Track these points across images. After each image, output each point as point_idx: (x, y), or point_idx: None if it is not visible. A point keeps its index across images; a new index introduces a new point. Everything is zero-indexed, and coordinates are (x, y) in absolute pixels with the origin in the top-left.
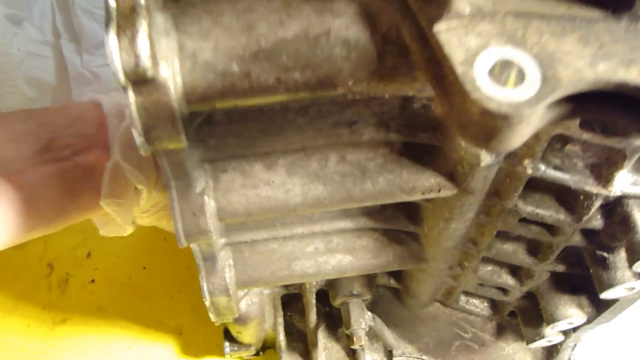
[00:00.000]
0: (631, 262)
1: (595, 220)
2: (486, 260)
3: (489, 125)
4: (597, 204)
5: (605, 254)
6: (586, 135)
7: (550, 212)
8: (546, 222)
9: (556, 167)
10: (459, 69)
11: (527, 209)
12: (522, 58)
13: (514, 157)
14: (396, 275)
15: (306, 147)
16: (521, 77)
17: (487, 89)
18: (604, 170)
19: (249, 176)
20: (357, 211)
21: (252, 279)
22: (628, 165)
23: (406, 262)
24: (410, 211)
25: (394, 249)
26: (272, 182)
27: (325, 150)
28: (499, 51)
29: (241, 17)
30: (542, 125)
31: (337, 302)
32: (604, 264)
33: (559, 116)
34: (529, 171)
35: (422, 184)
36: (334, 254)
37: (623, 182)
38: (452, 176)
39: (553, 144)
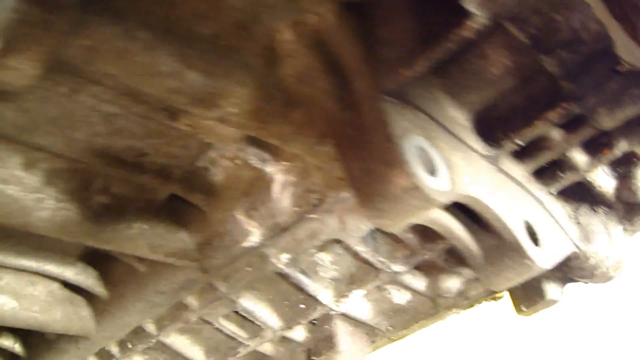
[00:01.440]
0: None
1: (300, 332)
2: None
3: (407, 201)
4: (315, 316)
5: None
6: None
7: (263, 315)
8: (254, 322)
9: (302, 271)
10: (398, 141)
11: (245, 304)
12: (435, 154)
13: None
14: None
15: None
16: (435, 170)
17: (419, 169)
18: (343, 286)
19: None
20: (53, 251)
21: None
22: (368, 286)
23: (69, 329)
24: (107, 269)
25: (65, 310)
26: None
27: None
28: (421, 140)
29: None
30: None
31: None
32: None
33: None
34: (280, 265)
35: (171, 245)
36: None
37: (354, 302)
38: (200, 248)
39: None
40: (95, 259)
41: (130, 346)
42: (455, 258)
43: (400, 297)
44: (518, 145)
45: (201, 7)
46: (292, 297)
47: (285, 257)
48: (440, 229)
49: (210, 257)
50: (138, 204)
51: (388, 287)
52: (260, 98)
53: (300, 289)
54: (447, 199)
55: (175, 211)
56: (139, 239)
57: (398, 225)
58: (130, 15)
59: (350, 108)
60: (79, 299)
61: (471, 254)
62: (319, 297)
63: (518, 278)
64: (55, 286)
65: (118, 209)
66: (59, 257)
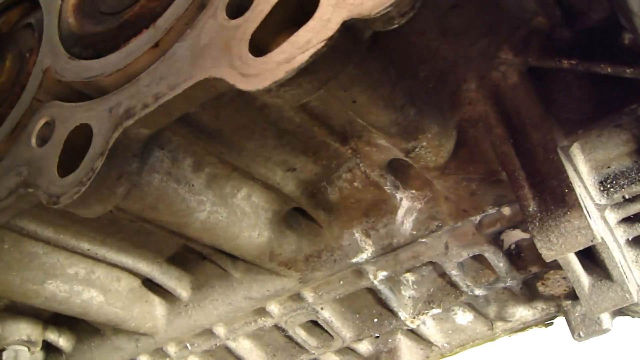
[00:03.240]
0: None
1: (364, 344)
2: None
3: (577, 238)
4: (386, 330)
5: None
6: None
7: (339, 326)
8: (328, 332)
9: (390, 288)
10: (577, 190)
11: (325, 315)
12: (589, 201)
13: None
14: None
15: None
16: (591, 213)
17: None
18: (421, 304)
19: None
20: (149, 249)
21: None
22: (446, 307)
23: (141, 327)
24: (195, 272)
25: (142, 307)
26: (192, 185)
27: (241, 181)
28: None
29: None
30: None
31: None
32: None
33: None
34: (375, 282)
35: (287, 255)
36: (89, 287)
37: (426, 320)
38: (308, 260)
39: None
40: (184, 261)
41: (189, 347)
42: (529, 287)
43: (464, 317)
44: (624, 197)
45: (423, 52)
46: (370, 311)
47: (382, 274)
48: (564, 262)
49: (315, 269)
50: (267, 214)
51: (456, 307)
52: (441, 135)
53: (383, 304)
54: (600, 239)
55: (292, 224)
56: (265, 246)
57: (561, 255)
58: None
59: (525, 154)
60: (154, 298)
61: (580, 285)
62: (399, 313)
63: (613, 308)
64: (137, 283)
65: None
66: (152, 255)
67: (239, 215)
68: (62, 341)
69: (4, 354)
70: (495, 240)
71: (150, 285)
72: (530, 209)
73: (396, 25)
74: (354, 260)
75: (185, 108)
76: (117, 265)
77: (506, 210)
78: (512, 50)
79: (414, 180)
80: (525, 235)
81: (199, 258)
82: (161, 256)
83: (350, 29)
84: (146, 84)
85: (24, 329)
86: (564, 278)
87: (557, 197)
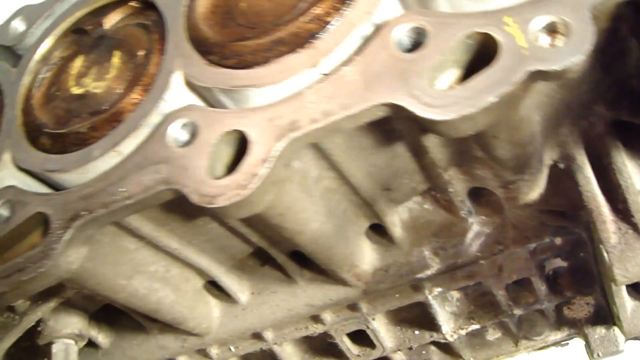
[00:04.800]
0: None
1: (399, 355)
2: None
3: None
4: (424, 342)
5: None
6: None
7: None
8: (372, 341)
9: (439, 303)
10: None
11: (374, 325)
12: None
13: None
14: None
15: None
16: None
17: None
18: (462, 320)
19: None
20: (224, 252)
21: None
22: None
23: (196, 328)
24: (257, 276)
25: (201, 308)
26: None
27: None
28: None
29: None
30: None
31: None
32: None
33: None
34: (429, 296)
35: (363, 266)
36: (165, 285)
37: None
38: (375, 272)
39: None
40: (244, 266)
41: (232, 349)
42: (557, 310)
43: (493, 334)
44: None
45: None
46: (413, 323)
47: (437, 290)
48: (617, 289)
49: (380, 282)
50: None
51: (489, 324)
52: (539, 171)
53: (428, 317)
54: None
55: (370, 238)
56: (353, 257)
57: (633, 282)
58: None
59: (608, 193)
60: (211, 300)
61: (624, 308)
62: (443, 327)
63: None
64: (200, 284)
65: None
66: (224, 259)
67: (344, 226)
68: (100, 337)
69: (54, 346)
70: (541, 266)
71: (209, 287)
72: (612, 242)
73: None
74: (419, 275)
75: (349, 127)
76: (191, 266)
77: (558, 240)
78: (605, 105)
79: (487, 207)
80: (563, 263)
81: (258, 264)
82: (232, 260)
83: (533, 77)
84: (312, 100)
85: (75, 323)
86: (587, 304)
87: (637, 233)
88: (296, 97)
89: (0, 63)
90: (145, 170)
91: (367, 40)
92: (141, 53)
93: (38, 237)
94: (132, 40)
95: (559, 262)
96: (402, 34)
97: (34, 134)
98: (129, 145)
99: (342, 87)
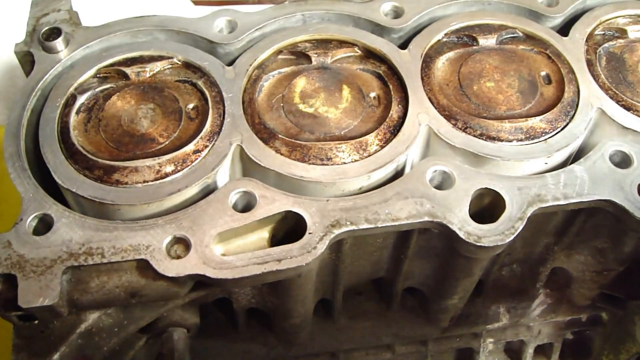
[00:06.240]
0: None
1: None
2: None
3: None
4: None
5: None
6: None
7: None
8: None
9: (484, 351)
10: None
11: None
12: None
13: None
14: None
15: None
16: None
17: None
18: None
19: None
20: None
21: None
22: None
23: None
24: (351, 304)
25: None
26: None
27: None
28: None
29: None
30: None
31: None
32: None
33: None
34: (481, 345)
35: (453, 312)
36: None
37: None
38: (453, 318)
39: None
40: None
41: None
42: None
43: None
44: None
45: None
46: None
47: (489, 340)
48: None
49: (457, 325)
50: None
51: None
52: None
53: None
54: None
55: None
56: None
57: None
58: None
59: None
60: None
61: None
62: None
63: None
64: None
65: None
66: (355, 281)
67: None
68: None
69: (175, 334)
70: (564, 333)
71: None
72: None
73: None
74: (488, 327)
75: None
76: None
77: (583, 317)
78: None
79: (554, 283)
80: (570, 336)
81: (355, 293)
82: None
83: None
84: (552, 182)
85: (196, 315)
86: None
87: None
88: (540, 177)
89: (212, 58)
90: (408, 200)
91: None
92: (373, 96)
93: (268, 234)
94: (360, 81)
95: (568, 335)
96: None
97: (265, 136)
98: (378, 174)
99: (574, 179)
